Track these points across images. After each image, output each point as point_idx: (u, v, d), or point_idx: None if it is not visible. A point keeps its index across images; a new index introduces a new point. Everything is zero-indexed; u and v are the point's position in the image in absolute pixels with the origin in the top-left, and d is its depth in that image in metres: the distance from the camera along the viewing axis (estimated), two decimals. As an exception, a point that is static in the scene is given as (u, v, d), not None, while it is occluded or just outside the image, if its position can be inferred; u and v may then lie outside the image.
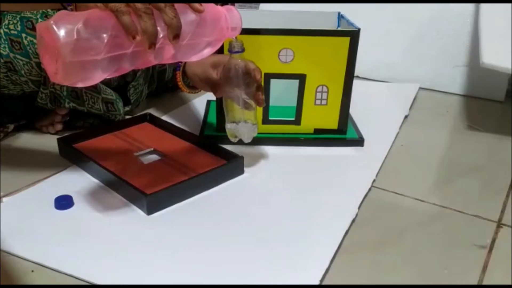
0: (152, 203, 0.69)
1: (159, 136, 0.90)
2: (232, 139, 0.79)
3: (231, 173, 0.78)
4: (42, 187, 0.75)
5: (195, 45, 0.63)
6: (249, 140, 0.79)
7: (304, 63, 0.84)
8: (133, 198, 0.71)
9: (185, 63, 0.82)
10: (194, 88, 0.86)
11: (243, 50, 0.73)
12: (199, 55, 0.65)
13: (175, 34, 0.57)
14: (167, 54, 0.61)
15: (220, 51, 0.83)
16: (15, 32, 0.80)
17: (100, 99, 0.91)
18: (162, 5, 0.56)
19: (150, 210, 0.69)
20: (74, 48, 0.52)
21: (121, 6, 0.54)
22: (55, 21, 0.52)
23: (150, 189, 0.70)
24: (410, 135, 0.97)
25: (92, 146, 0.85)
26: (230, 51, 0.73)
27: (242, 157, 0.80)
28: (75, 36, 0.52)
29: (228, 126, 0.78)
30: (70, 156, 0.83)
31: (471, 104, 1.17)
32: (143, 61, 0.59)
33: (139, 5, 0.55)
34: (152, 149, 0.85)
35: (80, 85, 0.56)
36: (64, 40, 0.52)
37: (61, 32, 0.52)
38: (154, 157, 0.83)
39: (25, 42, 0.81)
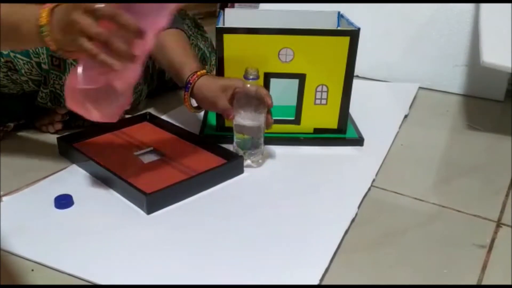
0: (152, 202, 0.69)
1: (159, 136, 0.90)
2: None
3: (231, 172, 0.79)
4: (42, 186, 0.75)
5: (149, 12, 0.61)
6: (256, 162, 0.82)
7: (304, 63, 0.84)
8: (133, 197, 0.71)
9: (194, 85, 0.82)
10: (199, 108, 0.87)
11: (257, 77, 0.76)
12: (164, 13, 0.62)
13: (137, 34, 0.58)
14: (146, 45, 0.61)
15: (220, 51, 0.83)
16: (15, 32, 0.80)
17: (100, 99, 0.91)
18: (109, 13, 0.56)
19: (150, 210, 0.69)
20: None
21: (88, 46, 0.57)
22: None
23: (150, 188, 0.70)
24: (410, 135, 0.97)
25: (92, 145, 0.85)
26: (245, 77, 0.76)
27: (242, 157, 0.80)
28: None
29: (236, 146, 0.81)
30: (70, 155, 0.83)
31: (471, 103, 1.17)
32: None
33: (94, 31, 0.56)
34: (151, 148, 0.85)
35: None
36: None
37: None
38: (153, 156, 0.83)
39: (25, 41, 0.81)
